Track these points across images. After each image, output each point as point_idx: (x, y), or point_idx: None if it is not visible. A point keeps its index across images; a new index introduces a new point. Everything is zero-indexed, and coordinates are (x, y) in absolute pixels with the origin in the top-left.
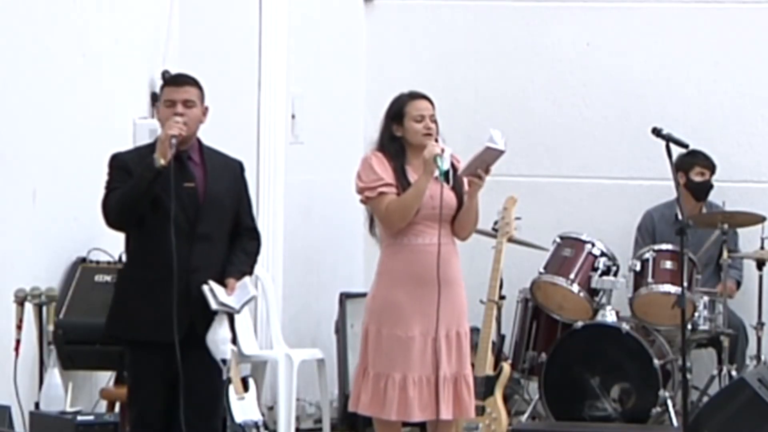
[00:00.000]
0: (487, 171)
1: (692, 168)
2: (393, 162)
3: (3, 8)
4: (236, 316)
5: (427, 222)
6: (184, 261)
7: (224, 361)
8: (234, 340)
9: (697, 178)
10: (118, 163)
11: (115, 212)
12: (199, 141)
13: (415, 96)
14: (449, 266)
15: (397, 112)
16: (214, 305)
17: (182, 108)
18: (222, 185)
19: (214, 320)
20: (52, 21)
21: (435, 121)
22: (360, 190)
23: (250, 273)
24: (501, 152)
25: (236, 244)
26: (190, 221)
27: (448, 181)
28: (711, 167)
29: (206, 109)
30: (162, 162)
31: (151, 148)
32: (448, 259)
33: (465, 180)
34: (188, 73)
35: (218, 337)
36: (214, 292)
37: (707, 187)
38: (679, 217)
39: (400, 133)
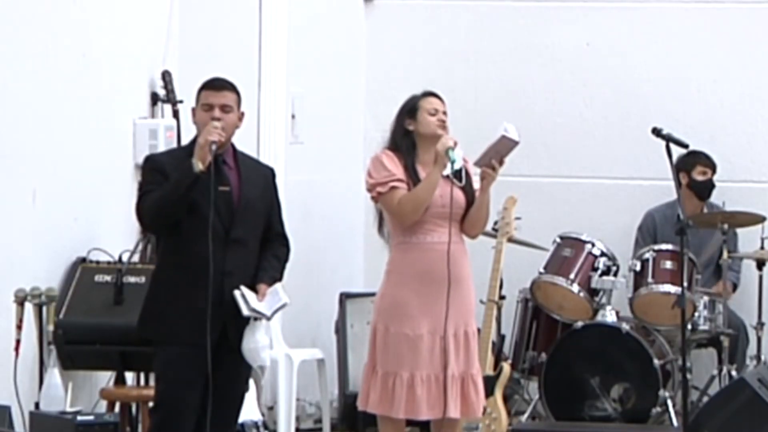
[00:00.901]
0: (501, 162)
1: (694, 167)
2: (403, 160)
3: (3, 8)
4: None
5: (436, 220)
6: (219, 264)
7: (262, 369)
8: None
9: (700, 177)
10: (153, 165)
11: (150, 215)
12: (233, 146)
13: (428, 93)
14: (458, 265)
15: (411, 107)
16: (245, 311)
17: (219, 112)
18: (256, 190)
19: (247, 327)
20: (52, 21)
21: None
22: (371, 187)
23: (280, 279)
24: (515, 143)
25: (267, 250)
26: (224, 225)
27: (460, 179)
28: (712, 166)
29: (242, 114)
30: (200, 167)
31: (185, 151)
32: (457, 258)
33: (475, 180)
34: (225, 79)
35: (257, 345)
36: (246, 298)
37: (710, 185)
38: (681, 217)
39: (412, 126)
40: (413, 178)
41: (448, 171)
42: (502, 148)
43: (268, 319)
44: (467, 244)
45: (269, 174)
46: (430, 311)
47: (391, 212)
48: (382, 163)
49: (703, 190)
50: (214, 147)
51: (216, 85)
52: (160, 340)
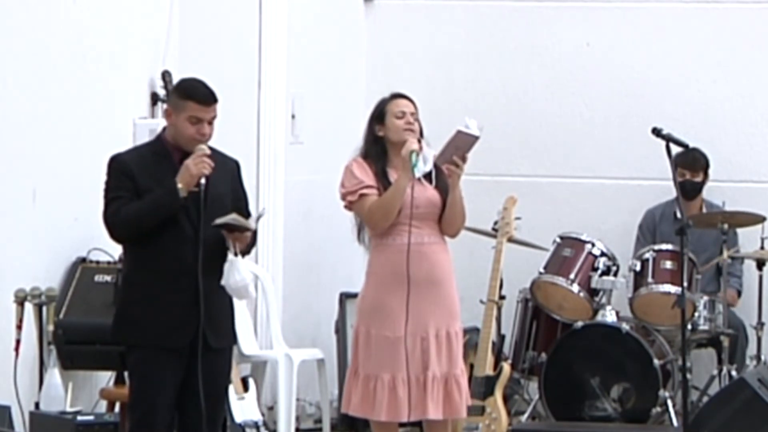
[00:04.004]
0: (463, 159)
1: (676, 169)
2: (374, 166)
3: (3, 8)
4: (236, 316)
5: (411, 221)
6: (191, 265)
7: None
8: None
9: (679, 179)
10: (119, 167)
11: (124, 228)
12: None
13: (395, 95)
14: (436, 266)
15: (379, 112)
16: (229, 221)
17: (208, 127)
18: (223, 186)
19: (227, 264)
20: (52, 21)
21: (417, 120)
22: (342, 196)
23: (248, 252)
24: (475, 138)
25: None
26: (194, 226)
27: (431, 181)
28: (691, 166)
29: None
30: (185, 193)
31: (151, 148)
32: (435, 259)
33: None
34: (211, 87)
35: (245, 282)
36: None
37: (690, 186)
38: (678, 215)
39: (382, 132)
40: (384, 183)
41: (418, 173)
42: (461, 143)
43: (253, 229)
44: (466, 244)
45: (235, 167)
46: (411, 313)
47: (363, 219)
48: (352, 172)
49: (684, 191)
50: (203, 181)
51: (208, 101)
52: (135, 344)
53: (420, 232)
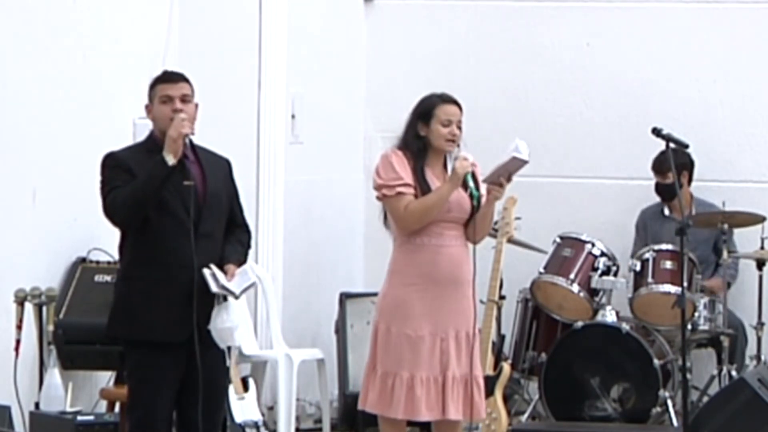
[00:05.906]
0: (508, 179)
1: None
2: (413, 162)
3: (3, 8)
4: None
5: (441, 223)
6: (189, 259)
7: (230, 349)
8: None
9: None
10: (116, 162)
11: (123, 210)
12: (190, 139)
13: (446, 99)
14: (460, 268)
15: (425, 111)
16: (214, 288)
17: (181, 103)
18: (218, 183)
19: (216, 308)
20: (52, 21)
21: (460, 128)
22: (378, 187)
23: (245, 262)
24: (525, 162)
25: (231, 236)
26: (191, 220)
27: (466, 188)
28: (658, 169)
29: (196, 105)
30: (173, 161)
31: (144, 146)
32: (459, 261)
33: (483, 187)
34: (177, 71)
35: (231, 325)
36: (216, 276)
37: (661, 188)
38: (665, 212)
39: (424, 132)
40: (421, 182)
41: (471, 185)
42: (512, 167)
43: (236, 297)
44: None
45: (227, 165)
46: (432, 313)
47: (395, 217)
48: (391, 164)
49: (657, 193)
50: (187, 140)
51: (173, 77)
52: (133, 339)
53: (448, 234)
